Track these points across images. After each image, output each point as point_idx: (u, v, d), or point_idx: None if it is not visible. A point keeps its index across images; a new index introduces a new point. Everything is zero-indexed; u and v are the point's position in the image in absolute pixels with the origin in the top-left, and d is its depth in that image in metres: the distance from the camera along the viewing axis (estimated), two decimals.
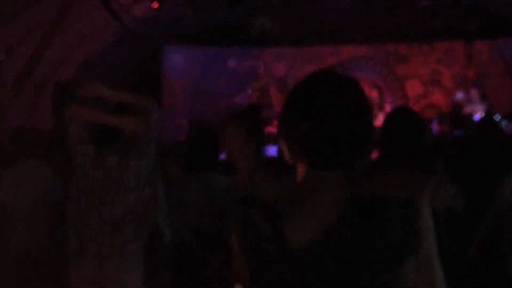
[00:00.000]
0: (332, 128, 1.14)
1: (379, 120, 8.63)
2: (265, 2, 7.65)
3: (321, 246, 1.11)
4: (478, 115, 7.79)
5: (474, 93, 8.33)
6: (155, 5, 6.90)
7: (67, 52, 7.14)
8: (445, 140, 6.00)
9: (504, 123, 6.62)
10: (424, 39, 9.87)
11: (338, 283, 1.12)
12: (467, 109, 8.30)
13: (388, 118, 2.42)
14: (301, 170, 1.20)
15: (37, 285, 3.37)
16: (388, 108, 8.88)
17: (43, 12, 5.84)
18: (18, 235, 3.51)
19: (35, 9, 5.76)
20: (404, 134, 2.26)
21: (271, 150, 6.59)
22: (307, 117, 1.16)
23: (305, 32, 8.88)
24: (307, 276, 1.11)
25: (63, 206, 3.53)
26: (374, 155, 2.50)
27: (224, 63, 10.16)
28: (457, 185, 2.19)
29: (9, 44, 5.94)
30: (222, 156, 3.32)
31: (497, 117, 6.80)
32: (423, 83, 10.05)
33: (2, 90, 6.06)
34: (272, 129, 8.36)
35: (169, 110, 9.76)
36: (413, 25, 9.30)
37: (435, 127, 7.98)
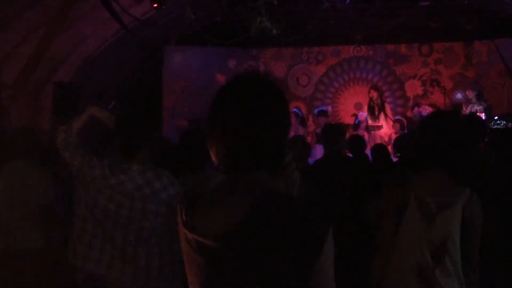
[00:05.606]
0: (248, 132, 1.19)
1: (381, 120, 8.64)
2: (265, 2, 7.64)
3: (225, 236, 1.18)
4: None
5: (473, 93, 8.34)
6: (155, 5, 6.91)
7: (67, 52, 7.15)
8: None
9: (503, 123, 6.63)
10: (423, 39, 9.89)
11: (238, 271, 1.18)
12: (467, 109, 8.31)
13: (431, 121, 2.35)
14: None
15: (28, 286, 3.30)
16: (388, 108, 8.88)
17: (43, 12, 5.85)
18: (9, 237, 3.41)
19: (35, 9, 5.77)
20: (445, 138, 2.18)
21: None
22: (227, 121, 1.21)
23: (305, 32, 8.88)
24: (212, 262, 1.21)
25: (57, 207, 3.49)
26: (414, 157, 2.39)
27: (224, 63, 10.18)
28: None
29: (8, 45, 5.95)
30: None
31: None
32: (422, 83, 10.07)
33: (2, 90, 6.08)
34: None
35: (169, 111, 9.78)
36: (413, 25, 9.31)
37: None
